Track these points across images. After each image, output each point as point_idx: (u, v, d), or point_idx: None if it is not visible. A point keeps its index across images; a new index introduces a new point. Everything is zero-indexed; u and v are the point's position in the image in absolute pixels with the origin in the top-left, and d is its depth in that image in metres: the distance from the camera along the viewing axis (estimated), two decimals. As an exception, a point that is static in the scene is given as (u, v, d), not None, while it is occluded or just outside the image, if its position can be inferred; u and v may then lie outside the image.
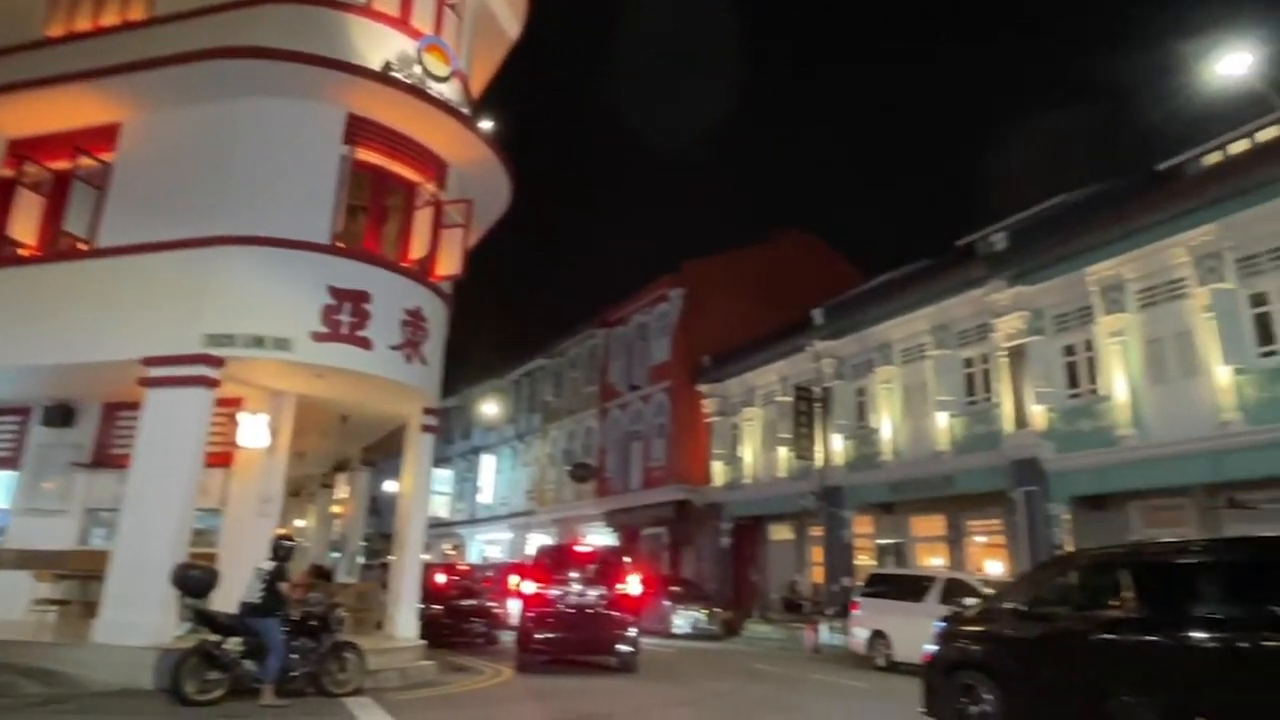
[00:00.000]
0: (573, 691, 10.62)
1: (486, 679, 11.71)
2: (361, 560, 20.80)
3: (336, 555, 18.71)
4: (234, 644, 8.41)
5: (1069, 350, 16.75)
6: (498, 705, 9.62)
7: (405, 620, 12.01)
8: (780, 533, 25.47)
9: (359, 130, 11.06)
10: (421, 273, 11.61)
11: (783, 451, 23.65)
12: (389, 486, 24.11)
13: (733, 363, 26.40)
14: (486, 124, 12.97)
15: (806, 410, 22.55)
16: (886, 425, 20.71)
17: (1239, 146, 16.86)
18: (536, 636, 12.50)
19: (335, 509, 18.76)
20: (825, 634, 18.95)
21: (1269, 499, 13.65)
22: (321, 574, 15.59)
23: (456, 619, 16.62)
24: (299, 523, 21.15)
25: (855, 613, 16.40)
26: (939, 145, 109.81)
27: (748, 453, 25.79)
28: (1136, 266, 15.50)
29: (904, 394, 20.52)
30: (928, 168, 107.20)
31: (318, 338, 10.16)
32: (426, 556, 32.42)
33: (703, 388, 27.45)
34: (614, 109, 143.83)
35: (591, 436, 32.01)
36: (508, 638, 15.39)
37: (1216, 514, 14.17)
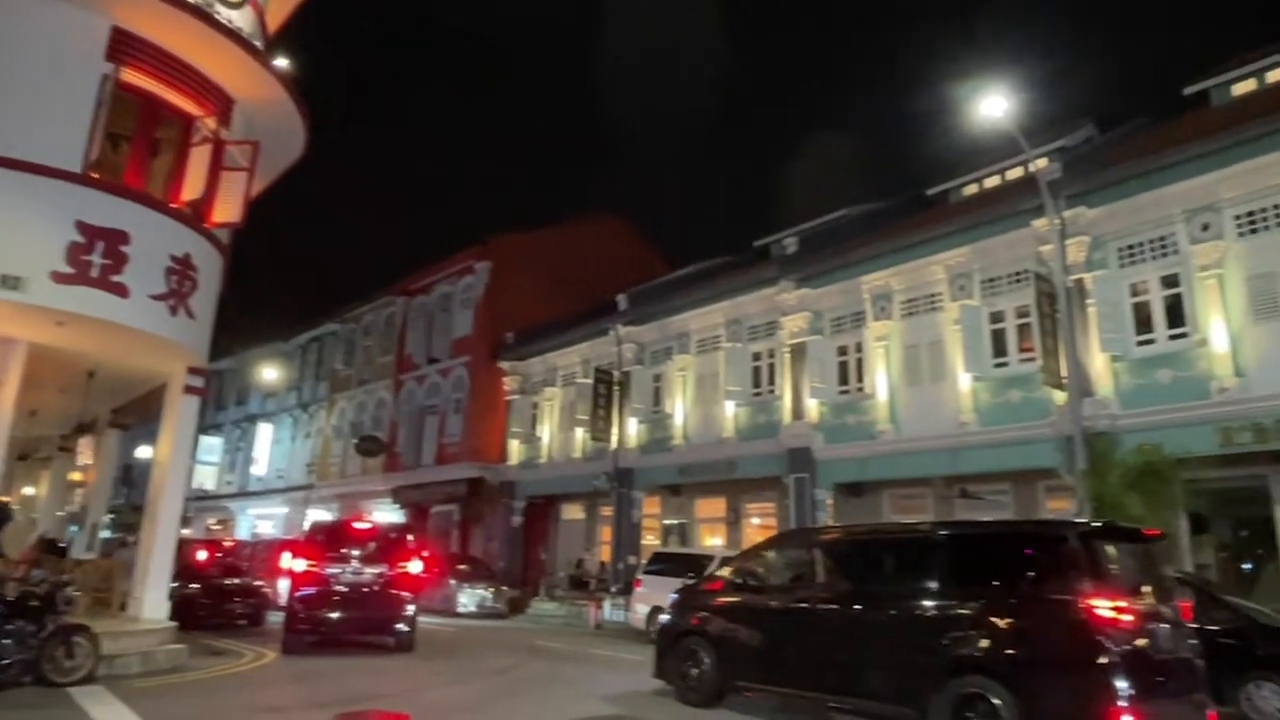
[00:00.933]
0: (341, 672, 10.13)
1: (246, 662, 10.91)
2: (107, 534, 18.59)
3: (76, 529, 16.57)
4: (-75, 628, 7.20)
5: (842, 350, 18.29)
6: (253, 689, 8.97)
7: (153, 600, 10.86)
8: (572, 512, 25.83)
9: (126, 47, 9.72)
10: (194, 217, 10.46)
11: (580, 432, 23.94)
12: (144, 453, 21.70)
13: (536, 341, 26.30)
14: (282, 62, 11.90)
15: (605, 393, 22.96)
16: (679, 411, 21.56)
17: (992, 181, 19.24)
18: (304, 616, 11.81)
19: (76, 476, 16.61)
20: (608, 610, 19.48)
21: (992, 491, 15.76)
22: (52, 548, 13.77)
23: (217, 599, 15.34)
24: (28, 490, 18.53)
25: (638, 590, 17.00)
26: (747, 153, 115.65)
27: (545, 432, 25.85)
28: (903, 279, 17.20)
29: (697, 382, 21.46)
30: (736, 172, 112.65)
31: (60, 279, 8.87)
32: (188, 532, 29.54)
33: (504, 365, 27.12)
34: (430, 70, 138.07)
35: (383, 409, 30.64)
36: (278, 619, 14.41)
37: (950, 502, 16.13)
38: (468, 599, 21.03)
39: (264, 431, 36.07)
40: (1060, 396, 13.91)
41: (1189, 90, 16.73)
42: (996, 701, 6.14)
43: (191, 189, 10.51)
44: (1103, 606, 6.02)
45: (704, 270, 24.45)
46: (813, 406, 18.29)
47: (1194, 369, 13.09)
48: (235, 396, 39.60)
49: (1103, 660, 5.84)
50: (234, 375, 39.18)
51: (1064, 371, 13.70)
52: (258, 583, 16.70)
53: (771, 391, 19.58)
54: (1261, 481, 12.69)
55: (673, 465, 21.28)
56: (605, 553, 23.36)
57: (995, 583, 6.69)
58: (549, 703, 8.59)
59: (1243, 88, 15.99)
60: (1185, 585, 9.86)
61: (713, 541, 20.94)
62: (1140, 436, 13.05)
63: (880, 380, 17.23)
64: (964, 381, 15.79)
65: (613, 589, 20.57)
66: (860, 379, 17.79)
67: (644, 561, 18.97)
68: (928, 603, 6.92)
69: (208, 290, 10.70)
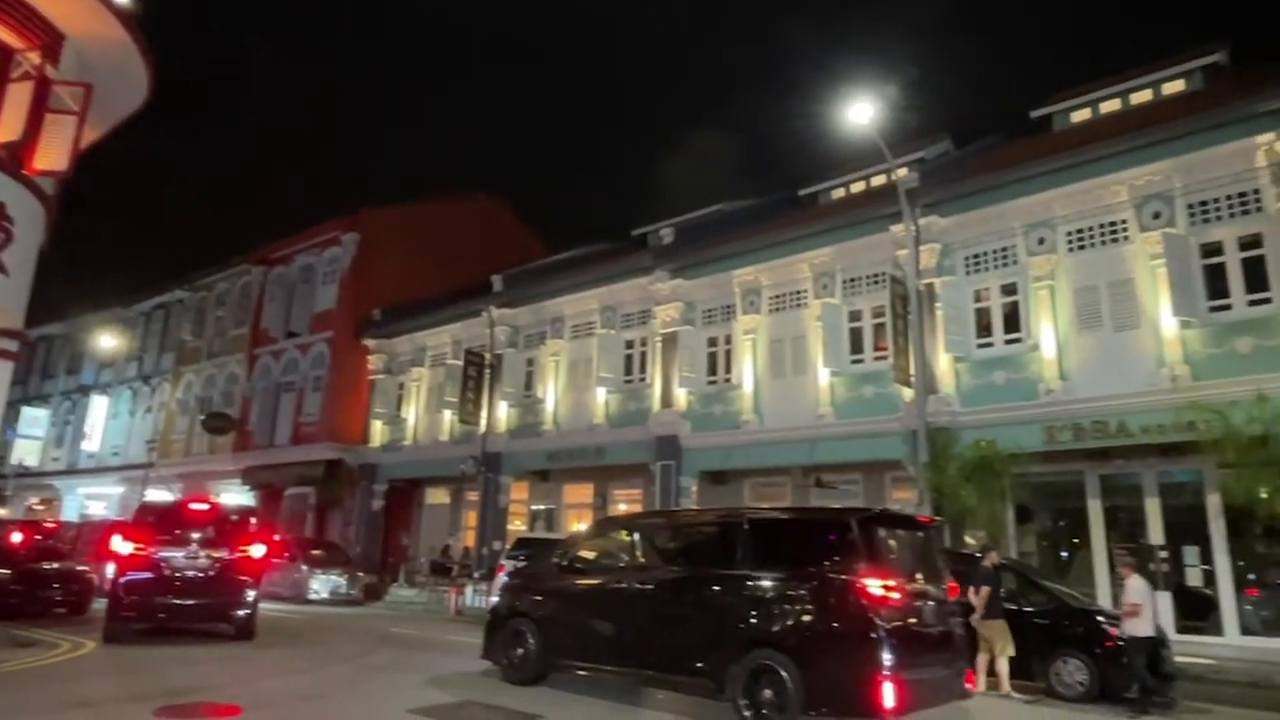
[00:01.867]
0: (170, 662, 9.44)
1: (61, 653, 9.99)
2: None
3: None
4: None
5: (712, 342, 18.69)
6: (64, 682, 8.19)
7: (-53, 587, 9.74)
8: (437, 496, 25.19)
9: (-71, -37, 8.59)
10: (11, 162, 9.41)
11: (448, 415, 23.36)
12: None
13: (405, 319, 25.39)
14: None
15: (476, 375, 22.50)
16: (550, 396, 21.42)
17: (859, 186, 20.13)
18: (128, 602, 10.94)
19: None
20: (470, 596, 19.16)
21: (845, 480, 16.54)
22: None
23: (31, 585, 13.98)
24: None
25: (500, 576, 16.76)
26: (629, 143, 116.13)
27: (411, 414, 25.05)
28: (771, 275, 17.74)
29: (569, 368, 21.37)
30: (617, 161, 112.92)
31: None
32: (3, 512, 26.75)
33: (370, 343, 26.05)
34: (306, 30, 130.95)
35: (235, 384, 28.79)
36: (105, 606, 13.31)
37: (806, 490, 16.81)
38: (320, 585, 20.12)
39: (98, 404, 33.15)
40: (908, 393, 14.74)
41: (1035, 113, 18.08)
42: (783, 673, 6.66)
43: (8, 130, 9.43)
44: (874, 586, 6.60)
45: (581, 256, 24.35)
46: (681, 395, 18.59)
47: (1025, 372, 14.19)
48: (66, 365, 36.19)
49: (872, 634, 6.43)
50: (64, 342, 35.81)
51: (913, 370, 14.52)
52: (81, 568, 15.34)
53: (642, 379, 19.76)
54: (1078, 477, 13.94)
55: (542, 450, 21.13)
56: (470, 538, 22.94)
57: (789, 565, 7.17)
58: (391, 689, 8.32)
59: (1080, 116, 17.42)
60: (1008, 570, 10.72)
61: (579, 527, 20.93)
62: (977, 433, 14.04)
63: (746, 372, 17.72)
64: (823, 376, 16.47)
65: (475, 575, 20.24)
66: (728, 370, 18.24)
67: (508, 547, 18.76)
68: (731, 584, 7.37)
69: (26, 244, 9.66)
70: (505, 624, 8.91)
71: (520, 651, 8.61)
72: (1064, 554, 14.45)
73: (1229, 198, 12.80)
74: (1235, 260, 12.63)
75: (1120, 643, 9.44)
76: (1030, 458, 13.73)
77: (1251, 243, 12.56)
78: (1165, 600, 12.53)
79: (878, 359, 15.87)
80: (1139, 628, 9.18)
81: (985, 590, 9.80)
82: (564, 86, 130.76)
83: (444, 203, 29.04)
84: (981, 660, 9.74)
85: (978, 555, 11.32)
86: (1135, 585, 9.37)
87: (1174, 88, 16.37)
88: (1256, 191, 12.58)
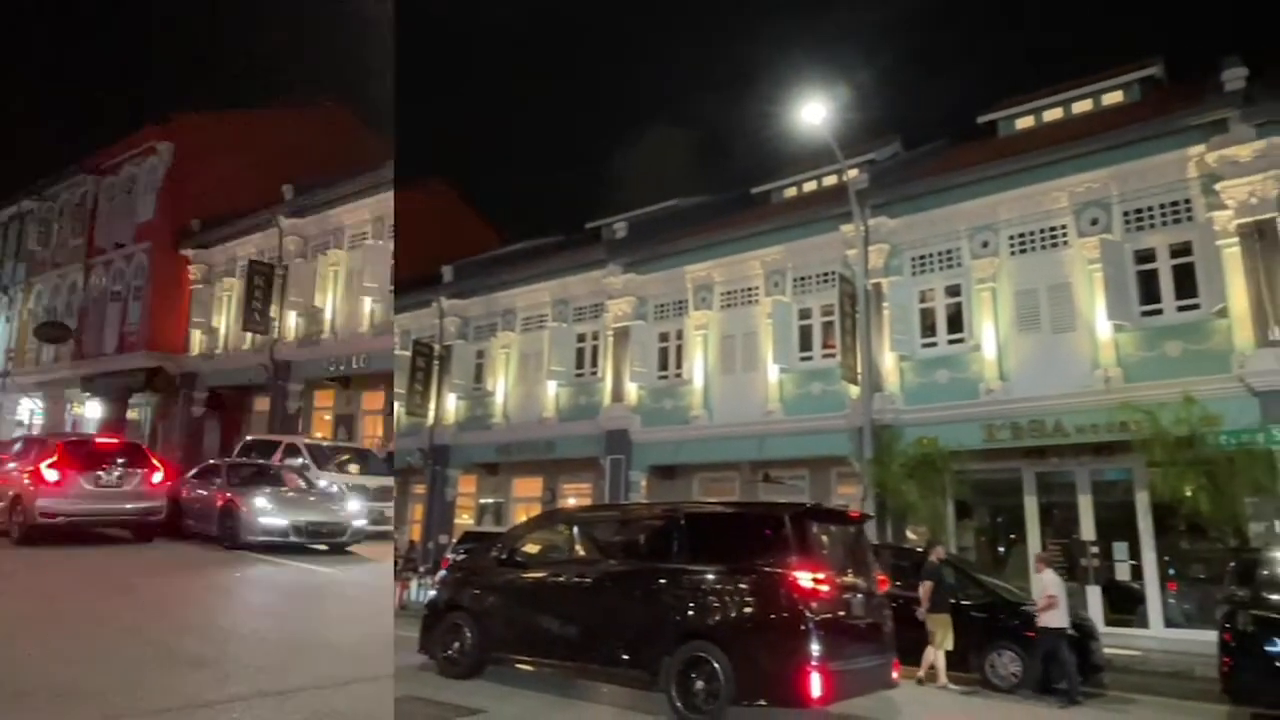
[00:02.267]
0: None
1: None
2: None
3: None
4: None
5: (663, 337, 18.71)
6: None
7: None
8: (383, 489, 24.75)
9: None
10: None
11: (394, 406, 22.96)
12: None
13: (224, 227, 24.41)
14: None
15: (424, 366, 22.15)
16: (501, 389, 21.22)
17: (810, 186, 20.35)
18: None
19: None
20: (415, 590, 18.86)
21: (792, 476, 16.74)
22: None
23: None
24: None
25: (445, 570, 16.56)
26: (584, 135, 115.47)
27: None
28: (723, 272, 17.84)
29: (520, 360, 21.20)
30: (570, 153, 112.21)
31: None
32: None
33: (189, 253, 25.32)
34: None
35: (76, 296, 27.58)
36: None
37: (754, 485, 16.97)
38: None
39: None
40: (855, 391, 14.96)
41: (982, 119, 18.47)
42: (715, 664, 6.77)
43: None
44: (805, 579, 6.75)
45: (534, 248, 24.14)
46: (632, 390, 18.59)
47: (967, 371, 14.53)
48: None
49: (801, 626, 6.58)
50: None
51: (859, 368, 14.74)
52: None
53: (594, 373, 19.70)
54: (1015, 474, 14.32)
55: (491, 443, 20.95)
56: (416, 531, 22.63)
57: (724, 559, 7.28)
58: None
59: (1024, 123, 17.86)
60: (947, 565, 10.98)
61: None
62: (919, 430, 14.32)
63: (697, 367, 17.81)
64: (772, 373, 16.62)
65: (421, 569, 19.95)
66: (679, 365, 18.30)
67: (455, 540, 18.55)
68: (667, 577, 7.45)
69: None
70: (443, 618, 8.77)
71: (457, 644, 8.49)
72: (1001, 549, 14.84)
73: (1162, 206, 13.25)
74: (1167, 267, 13.09)
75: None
76: (970, 455, 14.07)
77: (1182, 250, 13.03)
78: (1095, 594, 13.00)
79: (826, 357, 16.06)
80: (1054, 619, 9.57)
81: (929, 584, 10.03)
82: (521, 80, 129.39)
83: (274, 110, 27.04)
84: (929, 653, 9.97)
85: (919, 550, 11.58)
86: (1050, 579, 9.83)
87: (1113, 98, 16.88)
88: (1188, 201, 13.05)
